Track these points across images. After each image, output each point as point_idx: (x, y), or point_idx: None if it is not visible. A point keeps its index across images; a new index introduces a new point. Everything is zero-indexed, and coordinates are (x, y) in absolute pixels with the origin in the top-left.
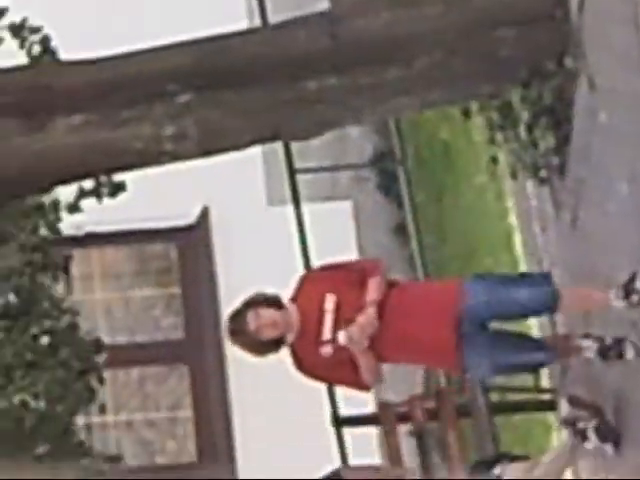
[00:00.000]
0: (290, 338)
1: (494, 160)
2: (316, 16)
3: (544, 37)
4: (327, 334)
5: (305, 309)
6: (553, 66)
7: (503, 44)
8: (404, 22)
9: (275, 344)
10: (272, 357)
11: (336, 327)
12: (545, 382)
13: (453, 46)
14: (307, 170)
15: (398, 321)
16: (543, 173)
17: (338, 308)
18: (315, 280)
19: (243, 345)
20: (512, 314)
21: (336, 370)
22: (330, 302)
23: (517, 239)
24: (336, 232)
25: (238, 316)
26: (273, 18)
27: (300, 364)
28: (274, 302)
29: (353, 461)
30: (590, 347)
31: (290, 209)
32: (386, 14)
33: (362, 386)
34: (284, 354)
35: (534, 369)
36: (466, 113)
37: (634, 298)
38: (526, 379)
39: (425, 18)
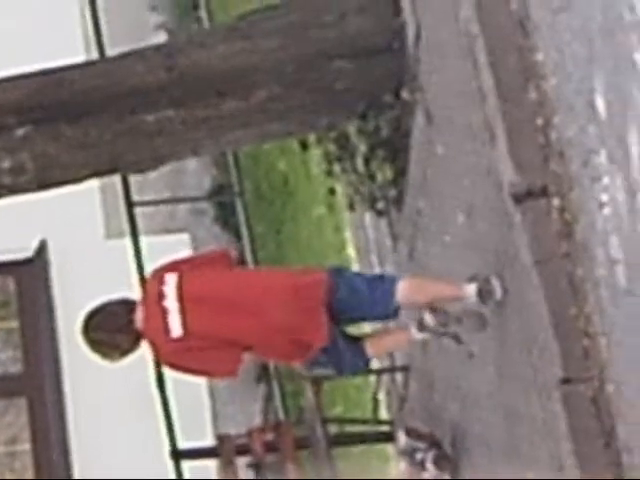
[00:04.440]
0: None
1: (332, 192)
2: (153, 49)
3: (381, 69)
4: (175, 330)
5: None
6: (390, 98)
7: (340, 76)
8: (241, 55)
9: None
10: (112, 387)
11: (184, 313)
12: (383, 413)
13: (290, 79)
14: (145, 203)
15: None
16: (381, 205)
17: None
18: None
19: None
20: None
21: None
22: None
23: (355, 270)
24: None
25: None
26: (110, 51)
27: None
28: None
29: None
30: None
31: (128, 242)
32: (222, 47)
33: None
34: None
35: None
36: (304, 145)
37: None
38: (365, 410)
39: (262, 51)
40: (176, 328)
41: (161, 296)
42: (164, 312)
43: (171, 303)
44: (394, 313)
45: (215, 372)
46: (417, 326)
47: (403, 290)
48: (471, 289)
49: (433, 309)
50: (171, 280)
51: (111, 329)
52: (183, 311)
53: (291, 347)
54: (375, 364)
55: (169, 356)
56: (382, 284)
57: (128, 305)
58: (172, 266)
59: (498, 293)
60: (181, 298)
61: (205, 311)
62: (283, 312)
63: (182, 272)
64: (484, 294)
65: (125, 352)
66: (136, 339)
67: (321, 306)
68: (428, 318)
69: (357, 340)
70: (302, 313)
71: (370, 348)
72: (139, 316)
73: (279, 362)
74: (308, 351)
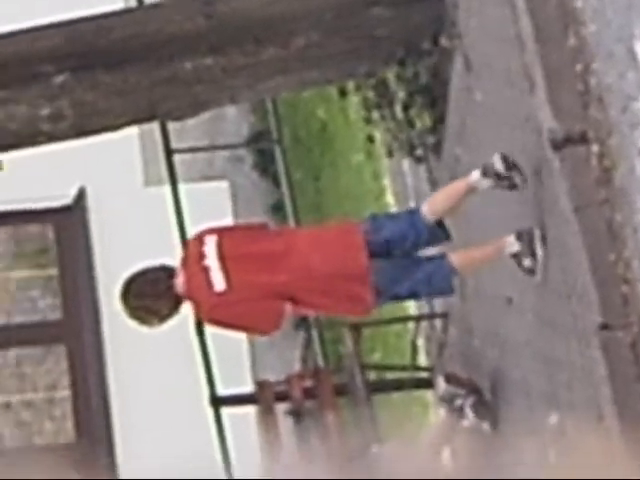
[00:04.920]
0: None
1: (370, 139)
2: None
3: (419, 16)
4: (219, 285)
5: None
6: (429, 45)
7: (378, 23)
8: (279, 2)
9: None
10: (150, 336)
11: (226, 271)
12: (422, 360)
13: (329, 26)
14: (184, 150)
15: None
16: (419, 152)
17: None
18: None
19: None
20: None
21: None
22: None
23: None
24: (213, 212)
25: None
26: None
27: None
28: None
29: (231, 439)
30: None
31: (167, 189)
32: None
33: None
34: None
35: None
36: (342, 92)
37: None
38: (404, 357)
39: None
40: (219, 283)
41: (202, 256)
42: (206, 270)
43: (212, 261)
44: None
45: (258, 327)
46: (482, 171)
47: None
48: (511, 240)
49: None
50: (211, 241)
51: (151, 295)
52: (225, 268)
53: (348, 299)
54: (413, 310)
55: (213, 312)
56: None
57: (167, 271)
58: (210, 230)
59: (538, 237)
60: (222, 256)
61: (246, 267)
62: (328, 262)
63: (222, 234)
64: (523, 239)
65: (164, 318)
66: (176, 304)
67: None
68: (497, 161)
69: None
70: (346, 266)
71: (456, 262)
72: (180, 279)
73: (339, 314)
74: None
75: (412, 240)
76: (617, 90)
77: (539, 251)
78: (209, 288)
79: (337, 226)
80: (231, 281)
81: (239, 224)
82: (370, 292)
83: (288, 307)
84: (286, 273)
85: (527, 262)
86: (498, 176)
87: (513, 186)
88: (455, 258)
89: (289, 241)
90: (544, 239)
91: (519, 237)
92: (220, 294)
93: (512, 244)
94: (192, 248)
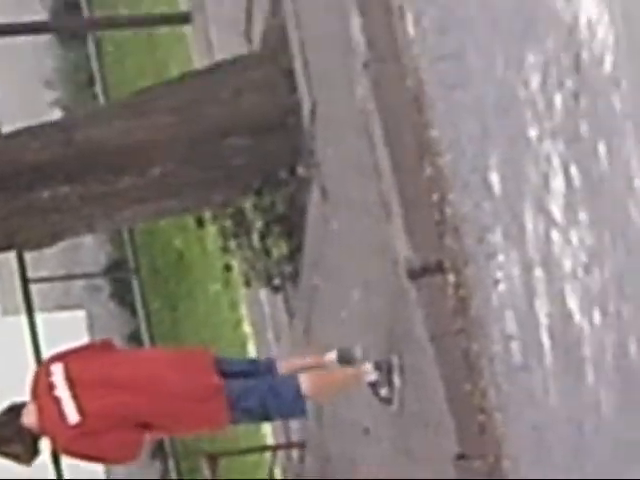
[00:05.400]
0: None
1: (228, 268)
2: (49, 125)
3: (276, 145)
4: (71, 416)
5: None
6: (286, 174)
7: (235, 153)
8: (137, 131)
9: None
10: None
11: (77, 398)
12: None
13: (186, 155)
14: (41, 279)
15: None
16: (277, 281)
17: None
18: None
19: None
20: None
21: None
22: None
23: (251, 347)
24: (70, 340)
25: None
26: (5, 128)
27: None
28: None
29: None
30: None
31: (24, 318)
32: (118, 123)
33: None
34: None
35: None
36: (200, 222)
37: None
38: None
39: (157, 127)
40: (72, 414)
41: (51, 387)
42: (57, 402)
43: (62, 392)
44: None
45: (115, 457)
46: (374, 365)
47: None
48: (368, 366)
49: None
50: (57, 369)
51: (3, 441)
52: (76, 397)
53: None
54: (270, 440)
55: (68, 445)
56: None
57: (15, 410)
58: (55, 358)
59: (396, 364)
60: (71, 384)
61: (97, 393)
62: (179, 380)
63: (67, 360)
64: (382, 367)
65: (25, 458)
66: (33, 442)
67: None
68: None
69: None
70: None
71: (306, 383)
72: (31, 412)
73: (193, 433)
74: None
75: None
76: (473, 220)
77: (396, 380)
78: (62, 421)
79: (188, 349)
80: (84, 410)
81: (86, 345)
82: (223, 408)
83: (146, 435)
84: (136, 394)
85: (384, 391)
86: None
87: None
88: (307, 381)
89: (138, 361)
90: (402, 368)
91: (377, 366)
92: (74, 427)
93: (370, 373)
94: (40, 380)
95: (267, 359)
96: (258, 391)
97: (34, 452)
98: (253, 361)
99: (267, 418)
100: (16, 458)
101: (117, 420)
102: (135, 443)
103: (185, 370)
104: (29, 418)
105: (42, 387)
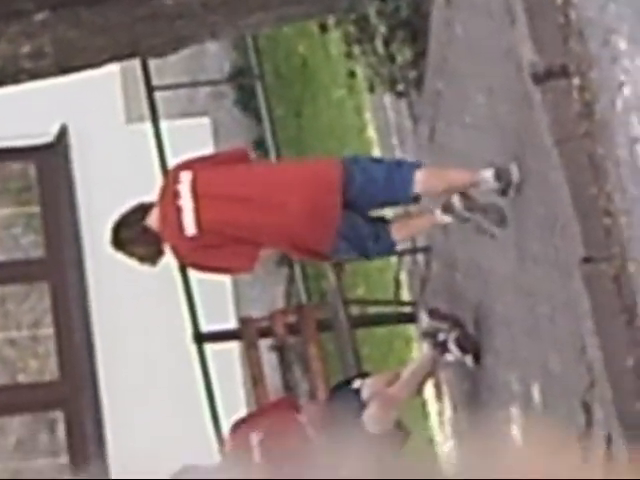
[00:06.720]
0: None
1: (352, 74)
2: None
3: None
4: (189, 229)
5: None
6: None
7: None
8: None
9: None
10: (134, 272)
11: (198, 211)
12: (405, 294)
13: None
14: (165, 87)
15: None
16: (400, 86)
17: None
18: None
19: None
20: (378, 200)
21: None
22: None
23: (376, 152)
24: (195, 148)
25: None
26: None
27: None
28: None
29: (214, 375)
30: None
31: (149, 126)
32: None
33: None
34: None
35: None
36: (323, 28)
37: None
38: (387, 292)
39: None
40: (190, 226)
41: (176, 195)
42: (179, 210)
43: (185, 202)
44: (414, 199)
45: (231, 269)
46: (442, 209)
47: (421, 180)
48: (488, 174)
49: (462, 194)
50: (186, 178)
51: (128, 241)
52: (197, 209)
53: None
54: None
55: (186, 255)
56: (400, 171)
57: (140, 211)
58: (187, 164)
59: (516, 177)
60: (195, 196)
61: (219, 207)
62: (301, 203)
63: (197, 170)
64: (502, 177)
65: (149, 259)
66: (157, 244)
67: (337, 197)
68: (456, 201)
69: (383, 223)
70: (319, 208)
71: (395, 232)
72: (154, 217)
73: (298, 257)
74: (325, 246)
75: (381, 200)
76: (597, 23)
77: (511, 193)
78: (180, 232)
79: (316, 165)
80: (202, 223)
81: (219, 154)
82: (335, 238)
83: (263, 251)
84: (260, 215)
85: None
86: (459, 215)
87: (478, 226)
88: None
89: (265, 182)
90: (520, 182)
91: (498, 176)
92: (191, 239)
93: (488, 181)
94: (167, 185)
95: (408, 165)
96: (365, 233)
97: (158, 253)
98: (391, 167)
99: (365, 257)
100: (140, 259)
101: (234, 236)
102: (250, 258)
103: (310, 192)
104: (153, 221)
105: (168, 193)
